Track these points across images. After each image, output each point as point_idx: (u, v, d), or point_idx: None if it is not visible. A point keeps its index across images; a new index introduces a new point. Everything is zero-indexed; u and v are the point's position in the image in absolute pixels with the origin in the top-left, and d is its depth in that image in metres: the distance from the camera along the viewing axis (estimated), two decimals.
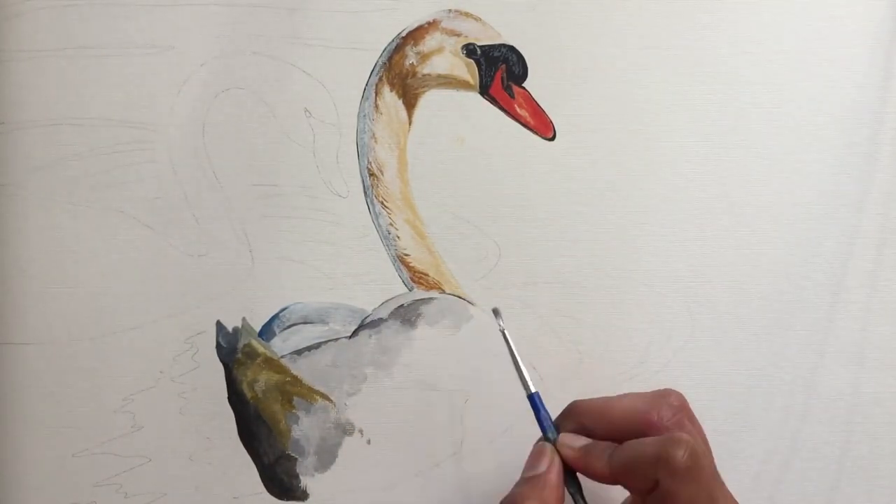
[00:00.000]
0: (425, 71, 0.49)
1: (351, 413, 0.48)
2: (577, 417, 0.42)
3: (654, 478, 0.38)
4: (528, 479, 0.40)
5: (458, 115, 0.49)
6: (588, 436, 0.42)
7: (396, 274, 0.49)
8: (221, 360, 0.48)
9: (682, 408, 0.42)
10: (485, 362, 0.49)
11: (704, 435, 0.42)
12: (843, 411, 0.49)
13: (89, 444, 0.48)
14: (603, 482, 0.41)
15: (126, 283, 0.48)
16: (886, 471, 0.49)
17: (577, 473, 0.41)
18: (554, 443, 0.41)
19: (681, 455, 0.38)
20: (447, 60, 0.49)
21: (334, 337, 0.49)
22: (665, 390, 0.43)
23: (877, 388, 0.49)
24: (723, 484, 0.39)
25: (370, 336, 0.49)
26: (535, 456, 0.41)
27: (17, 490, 0.48)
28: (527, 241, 0.49)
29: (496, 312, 0.44)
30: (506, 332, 0.43)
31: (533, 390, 0.42)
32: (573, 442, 0.41)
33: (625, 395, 0.42)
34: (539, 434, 0.42)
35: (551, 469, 0.40)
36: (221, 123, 0.48)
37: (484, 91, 0.49)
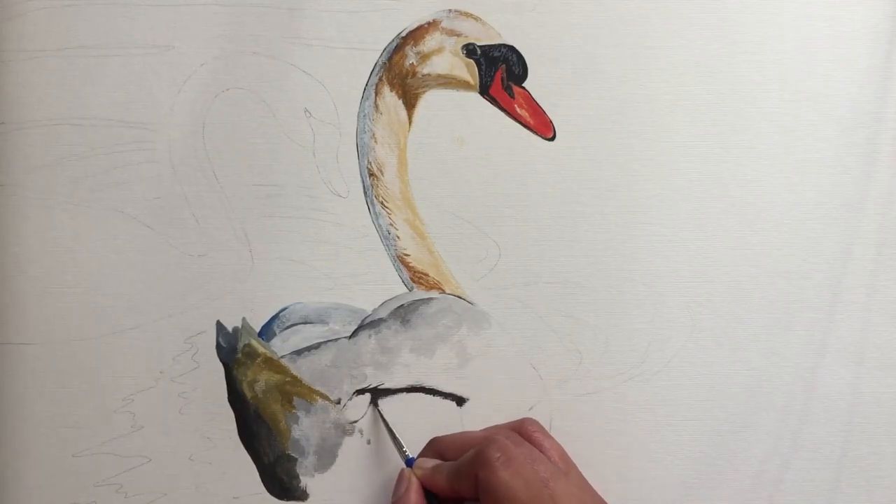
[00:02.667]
0: (425, 71, 0.49)
1: (351, 413, 0.48)
2: (435, 448, 0.47)
3: (474, 474, 0.41)
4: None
5: (458, 115, 0.49)
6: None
7: (396, 274, 0.49)
8: (221, 360, 0.48)
9: (528, 430, 0.46)
10: (484, 362, 0.49)
11: (561, 451, 0.46)
12: (843, 411, 0.49)
13: (89, 444, 0.48)
14: (446, 495, 0.44)
15: (126, 283, 0.48)
16: (886, 471, 0.49)
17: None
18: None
19: (493, 451, 0.42)
20: (447, 60, 0.49)
21: (334, 337, 0.49)
22: (521, 420, 0.47)
23: (877, 388, 0.49)
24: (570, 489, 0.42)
25: (370, 336, 0.49)
26: (398, 481, 0.46)
27: (17, 490, 0.48)
28: (527, 241, 0.49)
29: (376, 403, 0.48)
30: (379, 409, 0.48)
31: (410, 457, 0.46)
32: (424, 464, 0.46)
33: (482, 430, 0.47)
34: None
35: (409, 491, 0.45)
36: (221, 123, 0.48)
37: (484, 91, 0.49)
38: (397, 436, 0.47)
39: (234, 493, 0.48)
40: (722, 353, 0.49)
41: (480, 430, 0.47)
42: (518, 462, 0.42)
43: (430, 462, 0.45)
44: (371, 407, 0.48)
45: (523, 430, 0.46)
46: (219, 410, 0.48)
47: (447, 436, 0.47)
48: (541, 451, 0.45)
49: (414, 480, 0.45)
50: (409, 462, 0.46)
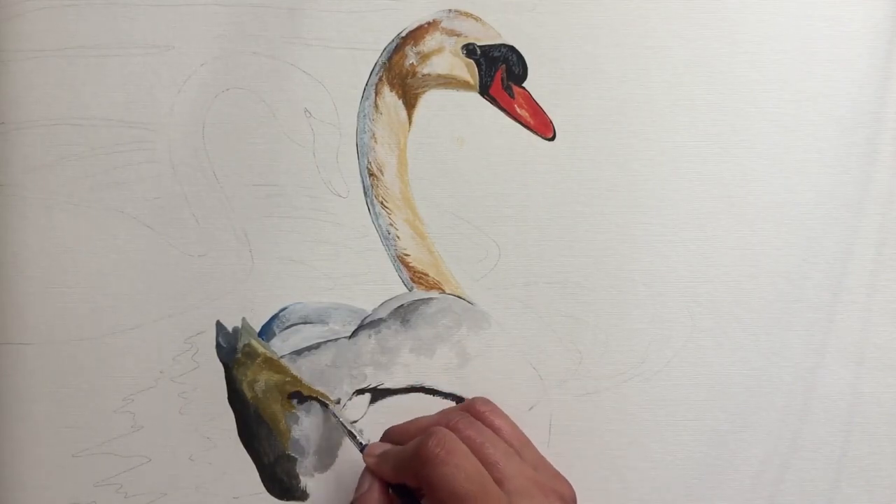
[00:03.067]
0: (425, 71, 0.49)
1: (351, 413, 0.48)
2: (387, 438, 0.45)
3: (415, 470, 0.40)
4: (354, 501, 0.44)
5: (458, 115, 0.49)
6: None
7: (396, 274, 0.49)
8: (221, 360, 0.48)
9: (479, 410, 0.45)
10: (484, 362, 0.49)
11: (514, 428, 0.44)
12: (843, 411, 0.49)
13: (89, 444, 0.48)
14: (394, 482, 0.43)
15: (126, 283, 0.48)
16: (886, 471, 0.49)
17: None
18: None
19: (432, 445, 0.40)
20: (447, 60, 0.49)
21: (334, 337, 0.49)
22: (472, 399, 0.46)
23: (877, 388, 0.49)
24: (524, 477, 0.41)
25: (370, 336, 0.49)
26: (360, 478, 0.44)
27: (17, 490, 0.48)
28: (527, 241, 0.49)
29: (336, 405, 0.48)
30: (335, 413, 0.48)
31: (364, 443, 0.46)
32: (374, 450, 0.44)
33: (435, 413, 0.46)
34: None
35: (372, 488, 0.43)
36: (221, 123, 0.48)
37: (484, 91, 0.49)
38: (350, 428, 0.46)
39: (234, 493, 0.48)
40: (722, 353, 0.49)
41: (432, 416, 0.46)
42: (459, 453, 0.40)
43: (379, 448, 0.44)
44: (323, 410, 0.48)
45: (474, 410, 0.45)
46: (219, 410, 0.48)
47: (401, 424, 0.46)
48: (493, 430, 0.43)
49: (373, 474, 0.43)
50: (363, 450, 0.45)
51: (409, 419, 0.46)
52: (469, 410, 0.45)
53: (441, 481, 0.39)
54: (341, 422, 0.47)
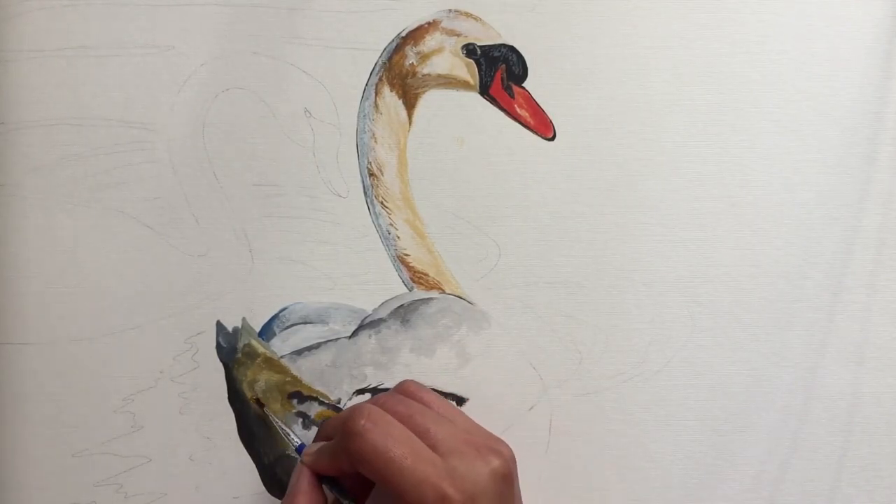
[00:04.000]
0: (425, 71, 0.49)
1: None
2: (323, 432, 0.44)
3: (345, 448, 0.39)
4: (285, 498, 0.43)
5: (458, 115, 0.49)
6: None
7: (396, 274, 0.49)
8: (221, 360, 0.48)
9: (408, 389, 0.44)
10: (484, 362, 0.49)
11: (445, 402, 0.44)
12: (843, 411, 0.49)
13: (89, 444, 0.48)
14: (333, 474, 0.42)
15: (126, 283, 0.48)
16: (886, 471, 0.49)
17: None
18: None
19: (357, 419, 0.39)
20: (447, 60, 0.49)
21: (334, 337, 0.49)
22: (400, 382, 0.46)
23: (877, 388, 0.49)
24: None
25: (370, 336, 0.49)
26: (293, 475, 0.43)
27: (17, 490, 0.48)
28: (527, 241, 0.49)
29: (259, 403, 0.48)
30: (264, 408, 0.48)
31: (297, 443, 0.45)
32: (310, 449, 0.43)
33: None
34: None
35: (301, 480, 0.42)
36: (221, 123, 0.48)
37: (484, 91, 0.49)
38: (282, 426, 0.46)
39: (234, 493, 0.48)
40: (722, 353, 0.49)
41: (362, 402, 0.45)
42: (385, 421, 0.39)
43: (315, 446, 0.43)
44: (255, 405, 0.47)
45: (402, 389, 0.45)
46: (219, 410, 0.48)
47: (334, 416, 0.45)
48: (422, 405, 0.43)
49: (306, 471, 0.43)
50: (300, 449, 0.45)
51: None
52: (398, 391, 0.45)
53: (371, 450, 0.39)
54: (277, 423, 0.47)
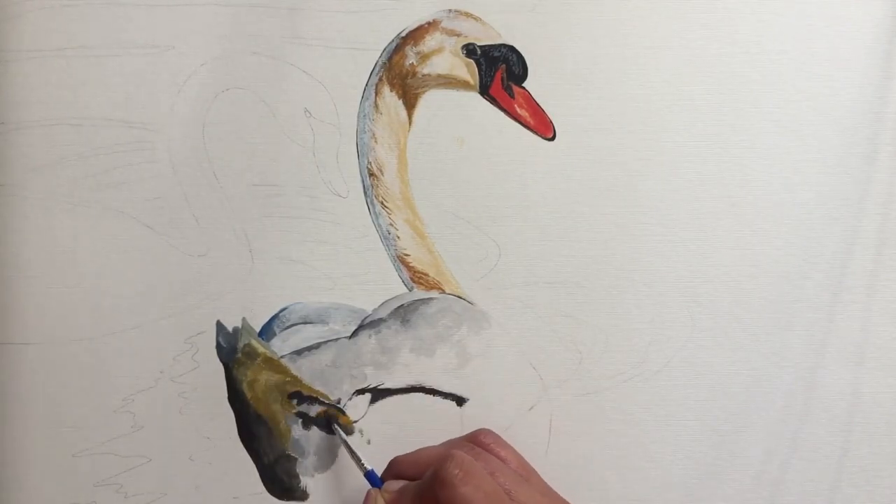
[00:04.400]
0: (425, 71, 0.49)
1: (351, 413, 0.48)
2: (395, 468, 0.46)
3: (434, 494, 0.41)
4: None
5: (458, 115, 0.49)
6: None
7: (396, 274, 0.49)
8: (221, 360, 0.48)
9: (484, 442, 0.46)
10: (484, 362, 0.49)
11: (520, 458, 0.45)
12: (843, 411, 0.49)
13: (89, 444, 0.48)
14: None
15: (126, 283, 0.48)
16: (886, 471, 0.49)
17: None
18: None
19: (451, 468, 0.41)
20: (447, 60, 0.49)
21: (334, 337, 0.49)
22: (475, 431, 0.47)
23: (877, 388, 0.49)
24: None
25: (370, 336, 0.49)
26: (365, 502, 0.45)
27: (17, 490, 0.48)
28: (527, 241, 0.49)
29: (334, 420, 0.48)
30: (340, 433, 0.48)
31: (368, 468, 0.46)
32: (391, 486, 0.45)
33: (440, 444, 0.47)
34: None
35: None
36: (221, 123, 0.48)
37: (484, 91, 0.49)
38: (354, 450, 0.47)
39: (234, 493, 0.48)
40: (722, 353, 0.49)
41: (439, 446, 0.47)
42: (477, 475, 0.41)
43: (397, 484, 0.45)
44: (335, 426, 0.48)
45: (479, 442, 0.46)
46: (219, 410, 0.48)
47: (406, 455, 0.46)
48: (499, 460, 0.44)
49: (381, 502, 0.44)
50: (370, 475, 0.46)
51: (414, 449, 0.47)
52: (473, 441, 0.46)
53: (461, 501, 0.40)
54: (349, 446, 0.47)
